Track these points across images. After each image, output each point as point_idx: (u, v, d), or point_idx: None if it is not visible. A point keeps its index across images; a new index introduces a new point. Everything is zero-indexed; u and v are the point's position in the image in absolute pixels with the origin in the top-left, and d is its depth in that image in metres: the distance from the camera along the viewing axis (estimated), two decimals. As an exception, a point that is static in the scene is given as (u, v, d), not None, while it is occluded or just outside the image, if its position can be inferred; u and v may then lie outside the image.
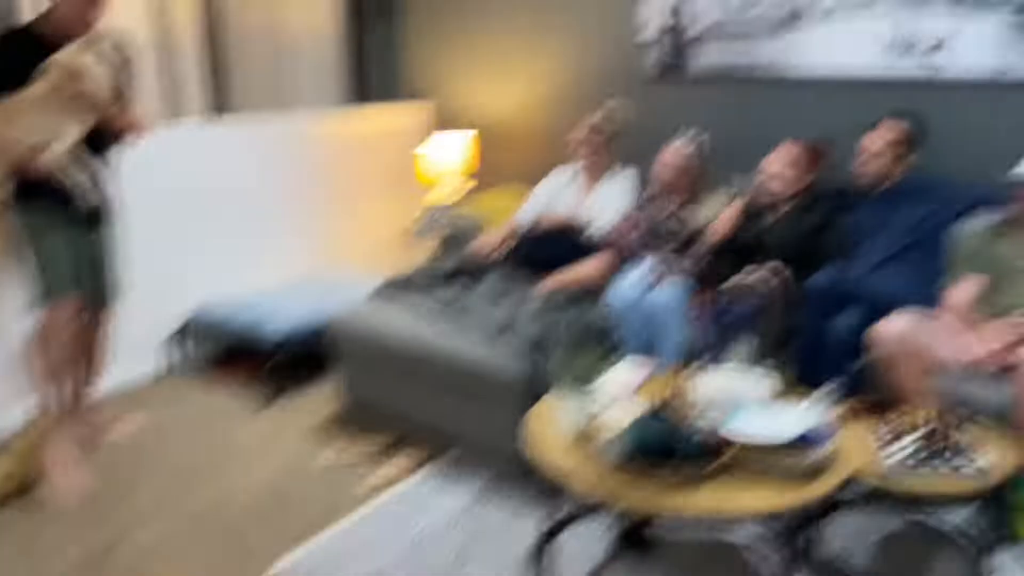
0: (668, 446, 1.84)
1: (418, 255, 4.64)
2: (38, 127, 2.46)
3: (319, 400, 3.38)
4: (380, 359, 3.02)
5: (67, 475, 2.68)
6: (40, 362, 2.66)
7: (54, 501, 2.62)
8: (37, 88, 2.44)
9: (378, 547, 2.38)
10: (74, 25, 2.53)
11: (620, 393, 2.18)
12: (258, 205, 3.94)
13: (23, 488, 2.63)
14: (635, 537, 2.36)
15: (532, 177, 4.25)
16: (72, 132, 2.50)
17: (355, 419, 3.19)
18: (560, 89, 4.12)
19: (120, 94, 2.58)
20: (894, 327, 2.43)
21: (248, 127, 3.89)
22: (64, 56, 2.44)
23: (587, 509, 2.31)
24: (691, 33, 3.57)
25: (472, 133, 4.28)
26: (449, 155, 4.23)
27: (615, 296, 3.02)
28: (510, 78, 4.30)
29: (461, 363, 2.79)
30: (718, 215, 3.25)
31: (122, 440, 3.05)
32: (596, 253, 3.25)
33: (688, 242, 3.25)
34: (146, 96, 3.57)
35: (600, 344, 2.19)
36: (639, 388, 2.34)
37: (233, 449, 3.00)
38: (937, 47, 3.01)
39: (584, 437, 1.98)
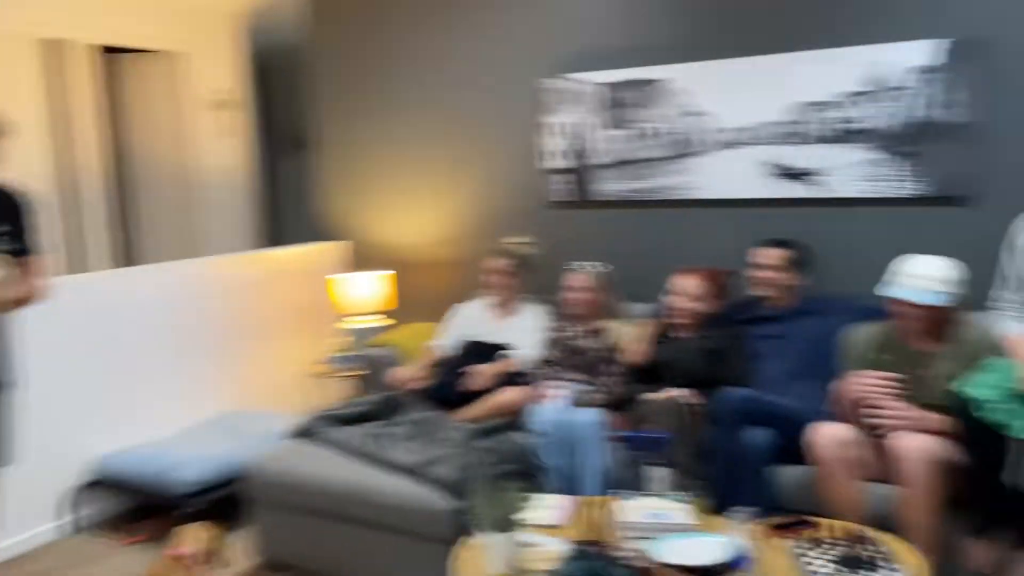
0: (599, 580, 1.85)
1: (334, 392, 4.58)
2: None
3: (235, 552, 3.22)
4: (299, 503, 2.92)
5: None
6: None
7: None
8: None
9: None
10: None
11: (546, 528, 2.17)
12: (166, 350, 3.83)
13: None
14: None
15: (447, 311, 4.31)
16: None
17: (277, 570, 3.05)
18: (471, 221, 4.25)
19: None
20: (830, 433, 2.49)
21: (155, 274, 3.85)
22: None
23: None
24: (592, 161, 3.78)
25: (388, 273, 4.33)
26: (365, 293, 4.26)
27: (537, 420, 3.03)
28: (423, 215, 4.41)
29: (385, 503, 2.72)
30: (630, 338, 3.35)
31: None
32: (516, 381, 3.29)
33: (600, 365, 3.32)
34: (50, 248, 3.49)
35: (522, 475, 2.20)
36: (565, 521, 2.34)
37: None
38: (815, 173, 3.29)
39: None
